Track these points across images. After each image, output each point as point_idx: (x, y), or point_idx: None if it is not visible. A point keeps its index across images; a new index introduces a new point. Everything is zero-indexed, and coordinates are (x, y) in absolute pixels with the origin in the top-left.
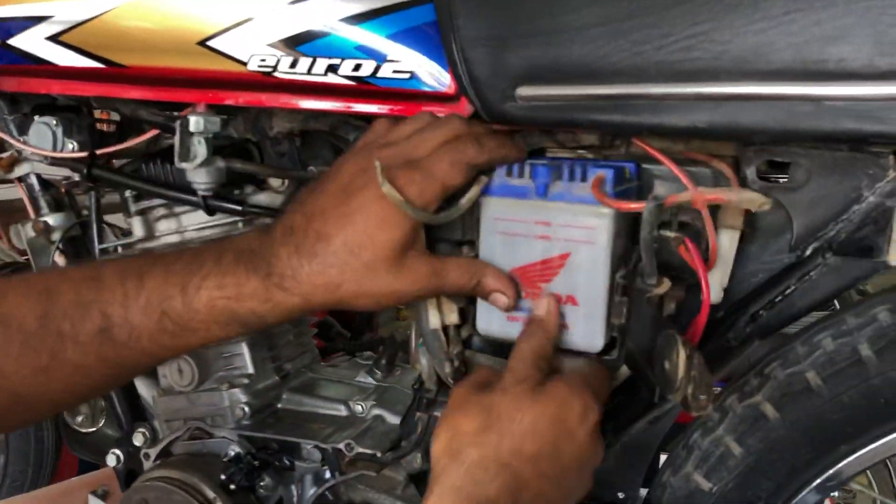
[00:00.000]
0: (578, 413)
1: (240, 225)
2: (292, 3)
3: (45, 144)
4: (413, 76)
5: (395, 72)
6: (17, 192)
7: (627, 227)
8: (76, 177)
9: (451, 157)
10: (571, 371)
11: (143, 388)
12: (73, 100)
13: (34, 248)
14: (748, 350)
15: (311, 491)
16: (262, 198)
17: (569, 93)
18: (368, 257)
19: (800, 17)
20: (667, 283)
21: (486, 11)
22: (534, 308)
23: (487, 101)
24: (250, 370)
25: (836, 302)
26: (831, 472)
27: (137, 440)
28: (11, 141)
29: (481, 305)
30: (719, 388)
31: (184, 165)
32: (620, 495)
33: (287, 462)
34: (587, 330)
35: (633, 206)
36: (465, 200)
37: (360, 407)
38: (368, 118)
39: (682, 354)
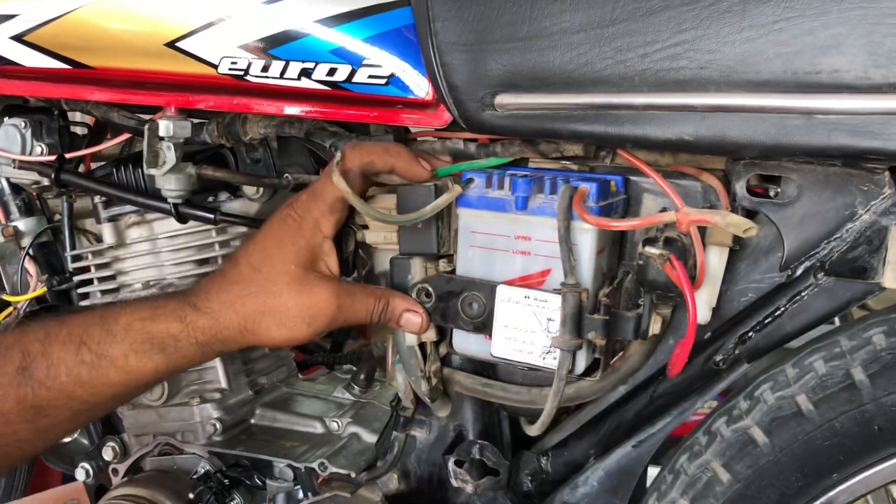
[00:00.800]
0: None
1: (213, 234)
2: (266, 2)
3: (13, 147)
4: (390, 82)
5: (371, 77)
6: None
7: (613, 243)
8: (45, 181)
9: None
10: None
11: None
12: (44, 101)
13: (3, 253)
14: (736, 373)
15: None
16: (236, 206)
17: (549, 102)
18: (268, 272)
19: (790, 25)
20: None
21: (465, 15)
22: None
23: (466, 109)
24: (223, 384)
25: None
26: (821, 500)
27: (107, 454)
28: None
29: None
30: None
31: (152, 171)
32: None
33: (258, 481)
34: None
35: (614, 224)
36: (429, 208)
37: (335, 424)
38: (345, 125)
39: None
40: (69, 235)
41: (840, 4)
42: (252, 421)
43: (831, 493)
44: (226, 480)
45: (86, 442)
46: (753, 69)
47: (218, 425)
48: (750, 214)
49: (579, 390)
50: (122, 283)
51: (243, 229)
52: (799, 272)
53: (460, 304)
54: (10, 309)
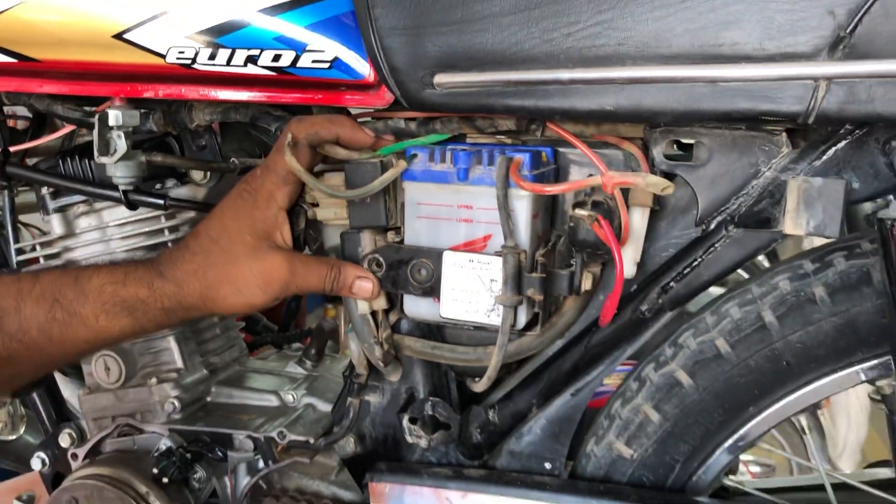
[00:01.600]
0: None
1: (162, 220)
2: None
3: None
4: (333, 66)
5: (314, 62)
6: None
7: (546, 209)
8: None
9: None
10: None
11: (66, 389)
12: None
13: None
14: (661, 319)
15: (245, 481)
16: (183, 191)
17: (484, 79)
18: (225, 243)
19: (696, 4)
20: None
21: (402, 1)
22: None
23: (407, 89)
24: (179, 364)
25: None
26: (741, 432)
27: (64, 441)
28: None
29: None
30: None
31: (103, 160)
32: (547, 466)
33: (219, 453)
34: None
35: (548, 189)
36: (377, 182)
37: (290, 396)
38: (289, 108)
39: None
40: (12, 229)
41: None
42: (208, 399)
43: (749, 425)
44: (188, 454)
45: (31, 440)
46: (665, 44)
47: (176, 403)
48: (667, 177)
49: (521, 346)
50: None
51: (192, 214)
52: (712, 226)
53: (409, 270)
54: None
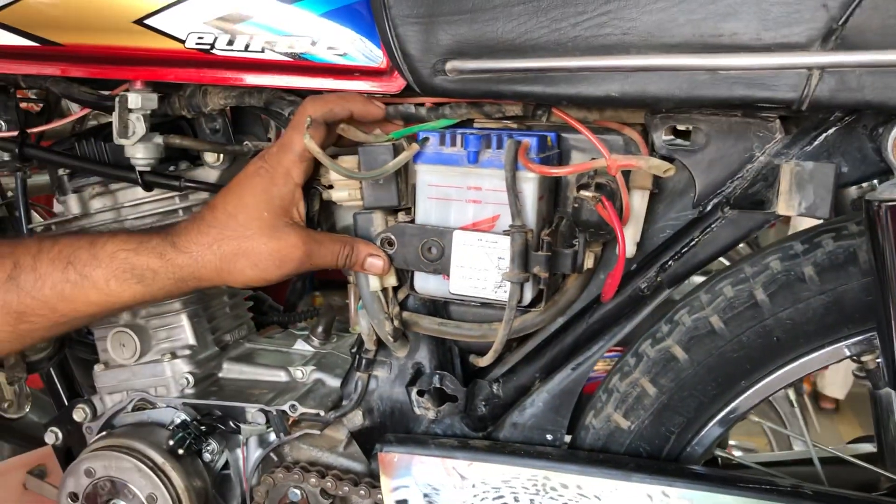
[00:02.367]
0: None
1: (176, 200)
2: None
3: None
4: (347, 53)
5: (329, 48)
6: None
7: (550, 191)
8: (5, 156)
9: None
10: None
11: (77, 367)
12: (1, 79)
13: None
14: (659, 296)
15: (257, 453)
16: (197, 173)
17: (494, 66)
18: (243, 218)
19: None
20: None
21: None
22: None
23: (419, 75)
24: (191, 341)
25: None
26: (733, 405)
27: (78, 416)
28: None
29: None
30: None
31: (122, 141)
32: (549, 437)
33: (233, 426)
34: None
35: (555, 171)
36: (392, 164)
37: (300, 372)
38: (303, 93)
39: None
40: (25, 210)
41: None
42: (220, 374)
43: (741, 398)
44: (202, 427)
45: (36, 419)
46: (668, 34)
47: (190, 378)
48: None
49: (525, 322)
50: None
51: (205, 195)
52: (709, 208)
53: (420, 249)
54: None
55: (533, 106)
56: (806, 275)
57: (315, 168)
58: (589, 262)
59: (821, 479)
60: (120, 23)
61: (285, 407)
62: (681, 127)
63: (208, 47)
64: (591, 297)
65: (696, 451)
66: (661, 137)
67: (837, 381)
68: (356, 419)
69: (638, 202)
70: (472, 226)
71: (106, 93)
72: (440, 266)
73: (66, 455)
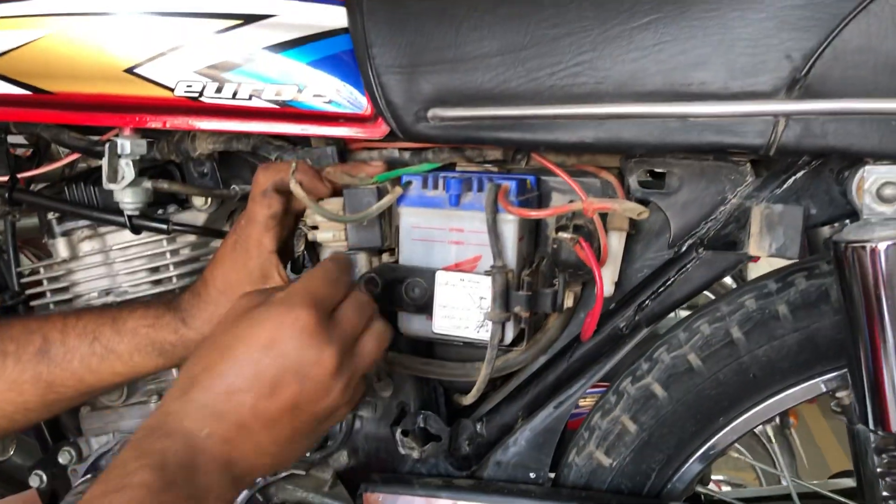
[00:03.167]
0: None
1: (164, 243)
2: (218, 32)
3: None
4: (333, 100)
5: (315, 95)
6: None
7: (530, 232)
8: None
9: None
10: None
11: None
12: None
13: None
14: (637, 335)
15: (243, 494)
16: (184, 217)
17: (474, 114)
18: (231, 294)
19: (667, 47)
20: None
21: (398, 41)
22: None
23: (402, 122)
24: None
25: None
26: (712, 441)
27: (63, 459)
28: None
29: None
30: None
31: (112, 186)
32: (532, 475)
33: None
34: None
35: (534, 213)
36: (375, 207)
37: None
38: (290, 139)
39: None
40: (14, 253)
41: (704, 31)
42: None
43: (719, 435)
44: None
45: (20, 461)
46: (640, 83)
47: None
48: (642, 204)
49: (507, 361)
50: (76, 293)
51: (192, 238)
52: (684, 248)
53: (404, 289)
54: None
55: (513, 151)
56: (780, 313)
57: (285, 227)
58: (569, 302)
59: None
60: (111, 72)
61: None
62: (657, 170)
63: (197, 95)
64: (571, 335)
65: (677, 487)
66: (636, 181)
67: None
68: (341, 459)
69: (615, 243)
70: (455, 266)
71: (95, 138)
72: (423, 306)
73: (51, 498)
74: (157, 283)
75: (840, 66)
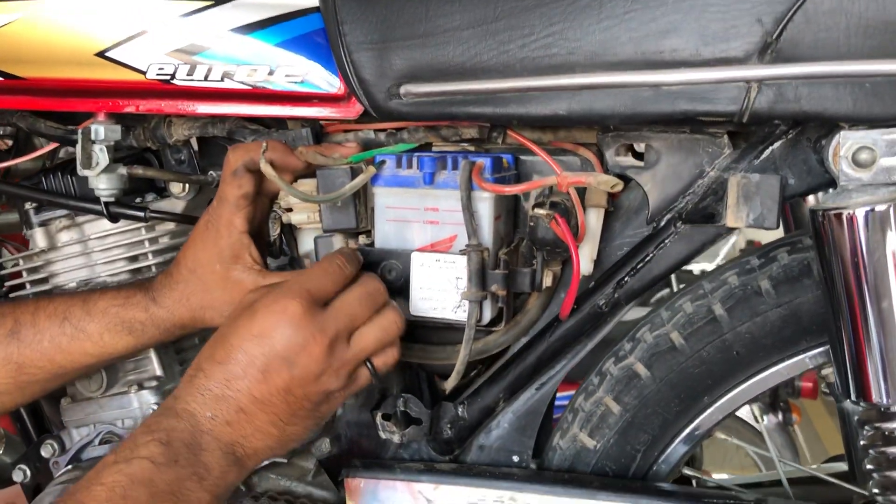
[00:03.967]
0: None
1: (142, 231)
2: (187, 14)
3: None
4: (305, 80)
5: (287, 76)
6: None
7: (508, 212)
8: None
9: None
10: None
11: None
12: None
13: None
14: (618, 313)
15: None
16: (162, 205)
17: (446, 89)
18: (201, 273)
19: (638, 15)
20: None
21: (368, 18)
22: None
23: (375, 100)
24: (158, 372)
25: None
26: (697, 422)
27: (45, 452)
28: None
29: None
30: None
31: (86, 172)
32: (515, 458)
33: None
34: None
35: (507, 189)
36: (348, 187)
37: None
38: (264, 122)
39: None
40: None
41: None
42: None
43: (704, 415)
44: None
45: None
46: (611, 52)
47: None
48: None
49: (487, 343)
50: (55, 284)
51: (171, 226)
52: (662, 224)
53: (380, 271)
54: None
55: (488, 128)
56: (762, 288)
57: (257, 207)
58: (548, 281)
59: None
60: (82, 56)
61: None
62: (636, 148)
63: (169, 77)
64: (552, 316)
65: (662, 469)
66: (613, 155)
67: None
68: (323, 447)
69: (593, 220)
70: (430, 247)
71: (73, 127)
72: (400, 288)
73: (35, 492)
74: (135, 271)
75: (812, 29)
